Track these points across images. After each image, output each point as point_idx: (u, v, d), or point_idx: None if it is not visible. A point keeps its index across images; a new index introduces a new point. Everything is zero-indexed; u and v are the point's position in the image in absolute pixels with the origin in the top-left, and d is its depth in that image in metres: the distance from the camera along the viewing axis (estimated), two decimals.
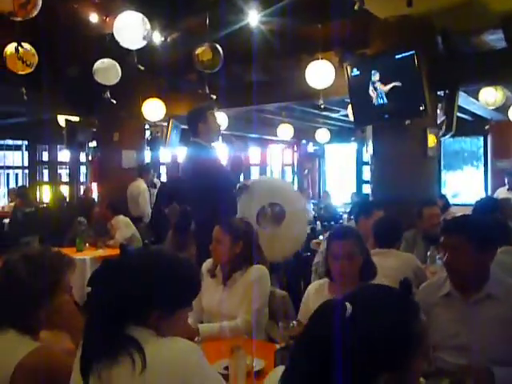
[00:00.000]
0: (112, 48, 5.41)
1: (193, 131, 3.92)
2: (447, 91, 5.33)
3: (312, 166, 13.38)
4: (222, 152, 4.03)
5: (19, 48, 4.39)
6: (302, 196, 4.66)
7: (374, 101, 5.07)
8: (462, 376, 1.68)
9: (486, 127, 8.82)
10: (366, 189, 11.10)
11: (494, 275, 2.17)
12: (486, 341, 2.05)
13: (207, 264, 2.90)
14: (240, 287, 2.70)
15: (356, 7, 3.37)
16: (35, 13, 3.81)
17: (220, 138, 4.09)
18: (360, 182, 12.14)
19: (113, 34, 4.66)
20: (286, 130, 10.04)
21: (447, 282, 2.22)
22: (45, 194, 11.41)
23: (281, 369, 1.27)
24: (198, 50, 5.00)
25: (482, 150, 11.39)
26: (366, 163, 11.35)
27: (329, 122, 10.60)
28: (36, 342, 1.66)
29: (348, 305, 1.06)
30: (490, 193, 9.79)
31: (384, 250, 3.42)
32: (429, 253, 3.93)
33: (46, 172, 11.78)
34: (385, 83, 4.95)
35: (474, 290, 2.14)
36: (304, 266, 4.35)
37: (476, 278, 2.15)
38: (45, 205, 9.67)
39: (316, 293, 2.59)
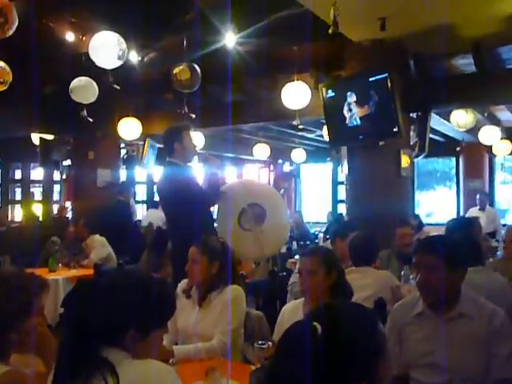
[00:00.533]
0: (88, 67, 5.41)
1: (168, 150, 3.92)
2: (420, 113, 5.45)
3: (288, 186, 13.45)
4: (198, 171, 4.01)
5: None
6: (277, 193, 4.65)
7: (348, 121, 5.16)
8: None
9: (458, 148, 9.02)
10: (342, 208, 11.21)
11: (466, 294, 2.21)
12: (459, 359, 2.08)
13: (182, 284, 2.88)
14: (216, 308, 2.68)
15: (330, 31, 3.44)
16: (11, 32, 3.79)
17: (196, 157, 4.09)
18: (335, 201, 12.26)
19: (88, 53, 4.67)
20: (262, 150, 10.10)
21: (420, 301, 2.24)
22: (17, 213, 11.21)
23: None
24: (176, 70, 5.03)
25: (454, 170, 11.63)
26: (342, 183, 11.48)
27: (305, 142, 10.71)
28: (6, 365, 1.62)
29: (317, 325, 1.09)
30: (462, 212, 9.99)
31: (361, 268, 3.45)
32: (403, 272, 3.97)
33: (18, 190, 11.59)
34: (361, 105, 5.04)
35: (446, 309, 2.17)
36: (280, 285, 4.34)
37: (448, 297, 2.18)
38: (17, 224, 9.49)
39: (291, 313, 2.59)
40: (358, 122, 5.10)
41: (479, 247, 3.16)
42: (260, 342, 2.11)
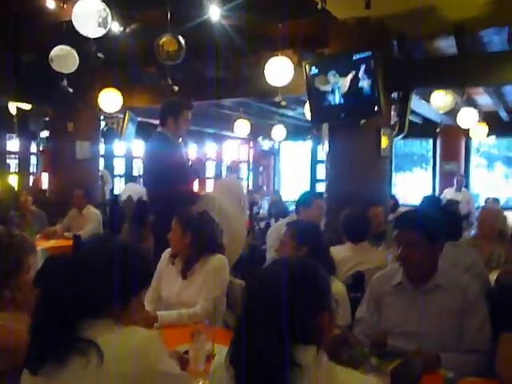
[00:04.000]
0: (69, 36, 5.31)
1: (161, 121, 3.90)
2: (401, 93, 5.51)
3: (267, 163, 13.50)
4: (187, 148, 4.00)
5: None
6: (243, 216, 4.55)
7: (331, 99, 5.20)
8: (411, 357, 1.77)
9: (437, 130, 9.14)
10: (320, 187, 11.31)
11: (442, 267, 2.30)
12: (434, 328, 2.18)
13: (166, 254, 2.92)
14: (199, 277, 2.73)
15: (319, 7, 3.44)
16: None
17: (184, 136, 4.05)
18: (314, 180, 12.34)
19: (70, 21, 4.58)
20: (242, 126, 10.08)
21: (399, 272, 2.33)
22: None
23: (226, 350, 1.35)
24: (163, 40, 4.97)
25: (430, 153, 11.81)
26: (321, 162, 11.57)
27: (285, 119, 10.72)
28: None
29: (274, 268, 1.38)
30: (437, 193, 10.18)
31: (359, 244, 3.56)
32: (380, 249, 4.06)
33: None
34: (344, 83, 5.07)
35: (424, 281, 2.26)
36: (260, 259, 4.42)
37: (426, 269, 2.26)
38: None
39: None
40: (341, 100, 5.14)
41: (460, 220, 3.27)
42: None
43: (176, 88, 5.62)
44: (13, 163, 11.53)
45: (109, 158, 10.69)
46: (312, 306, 1.30)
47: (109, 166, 10.19)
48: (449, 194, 8.68)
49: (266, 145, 13.47)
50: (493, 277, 3.52)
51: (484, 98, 8.27)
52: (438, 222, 2.34)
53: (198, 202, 3.72)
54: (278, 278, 1.31)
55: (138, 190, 7.64)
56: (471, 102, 8.20)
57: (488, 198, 8.38)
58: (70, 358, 1.34)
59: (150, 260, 1.69)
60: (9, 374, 1.58)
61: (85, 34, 4.57)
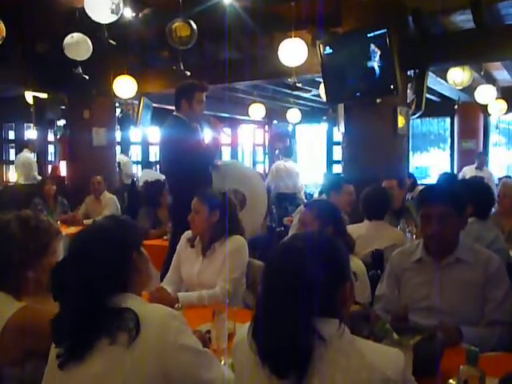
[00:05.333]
0: (82, 23, 5.31)
1: (176, 105, 3.90)
2: (417, 70, 5.44)
3: (283, 146, 13.43)
4: (204, 131, 3.99)
5: None
6: (263, 182, 4.64)
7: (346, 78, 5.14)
8: (433, 332, 1.77)
9: (456, 107, 9.00)
10: (336, 169, 11.26)
11: (463, 241, 2.28)
12: (455, 302, 2.17)
13: (186, 235, 2.94)
14: (219, 257, 2.75)
15: None
16: None
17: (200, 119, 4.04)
18: (330, 162, 12.29)
19: (83, 8, 4.59)
20: (257, 110, 10.06)
21: (419, 248, 2.32)
22: (11, 174, 11.16)
23: (247, 326, 1.36)
24: (175, 25, 4.95)
25: (448, 132, 11.67)
26: (337, 143, 11.51)
27: (300, 101, 10.66)
28: (20, 302, 1.69)
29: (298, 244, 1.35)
30: (455, 172, 10.06)
31: (374, 222, 3.56)
32: (399, 226, 4.04)
33: (12, 151, 11.51)
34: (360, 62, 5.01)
35: (444, 255, 2.24)
36: (277, 240, 4.42)
37: (450, 243, 2.25)
38: (12, 184, 9.49)
39: None
40: (356, 79, 5.09)
41: (491, 197, 3.26)
42: None
43: (188, 73, 5.59)
44: None
45: (125, 144, 10.72)
46: (333, 277, 1.30)
47: (126, 153, 10.21)
48: (469, 172, 8.54)
49: (281, 127, 13.42)
50: None
51: (502, 73, 8.11)
52: (462, 194, 2.32)
53: (217, 170, 3.74)
54: (297, 251, 1.31)
55: (154, 176, 7.69)
56: (489, 78, 8.06)
57: (501, 178, 8.24)
58: (106, 334, 1.37)
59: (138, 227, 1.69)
60: (36, 355, 1.61)
61: (97, 21, 4.58)
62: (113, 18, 4.56)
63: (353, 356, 1.23)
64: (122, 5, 4.57)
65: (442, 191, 2.34)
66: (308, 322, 1.23)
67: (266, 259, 1.41)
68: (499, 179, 7.88)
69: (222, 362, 1.79)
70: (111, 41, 5.02)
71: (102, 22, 4.63)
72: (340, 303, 1.31)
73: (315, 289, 1.25)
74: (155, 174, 7.64)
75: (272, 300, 1.29)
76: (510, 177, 8.46)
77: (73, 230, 5.73)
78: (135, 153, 11.97)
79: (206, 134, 4.00)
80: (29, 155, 9.23)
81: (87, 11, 4.53)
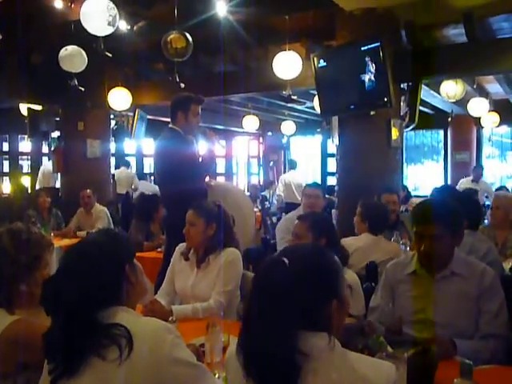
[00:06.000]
0: (77, 35, 5.33)
1: (172, 117, 3.91)
2: (410, 83, 5.47)
3: (277, 158, 13.48)
4: (197, 143, 3.99)
5: None
6: (250, 201, 4.64)
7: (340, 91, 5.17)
8: (427, 345, 1.77)
9: (449, 119, 9.07)
10: (331, 181, 11.29)
11: (457, 254, 2.28)
12: (449, 315, 2.17)
13: (181, 247, 2.93)
14: (213, 270, 2.74)
15: None
16: None
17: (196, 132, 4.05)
18: (325, 173, 12.32)
19: (78, 21, 4.61)
20: (251, 122, 10.10)
21: (413, 261, 2.32)
22: (5, 186, 11.13)
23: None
24: (170, 37, 4.98)
25: (441, 144, 11.74)
26: (331, 155, 11.55)
27: (294, 114, 10.71)
28: (13, 316, 1.68)
29: (284, 259, 1.30)
30: (449, 184, 10.08)
31: (377, 236, 3.58)
32: (393, 239, 4.05)
33: (6, 163, 11.48)
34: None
35: (439, 268, 2.24)
36: (271, 252, 4.42)
37: (442, 259, 2.25)
38: (6, 195, 9.45)
39: None
40: (350, 92, 5.12)
41: (479, 209, 3.26)
42: None
43: (182, 85, 5.61)
44: (25, 164, 11.65)
45: (120, 156, 10.72)
46: (318, 294, 1.28)
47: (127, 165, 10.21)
48: (465, 184, 8.57)
49: (275, 139, 13.47)
50: (507, 265, 3.50)
51: (495, 87, 8.19)
52: (459, 213, 2.31)
53: (210, 192, 3.73)
54: (283, 266, 1.29)
55: (150, 188, 7.70)
56: (482, 91, 8.13)
57: (497, 188, 8.28)
58: (98, 351, 1.35)
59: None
60: (28, 368, 1.60)
61: (93, 33, 4.60)
62: (109, 31, 4.58)
63: (344, 369, 1.23)
64: (118, 17, 4.59)
65: (437, 211, 2.29)
66: (291, 336, 1.22)
67: (255, 272, 1.40)
68: (496, 190, 7.93)
69: (216, 376, 1.78)
70: (107, 53, 5.04)
71: (98, 34, 4.65)
72: (328, 318, 1.29)
73: (300, 303, 1.24)
74: (151, 187, 7.66)
75: (256, 314, 1.28)
76: (504, 187, 8.48)
77: (66, 241, 5.71)
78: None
79: (201, 146, 4.00)
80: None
81: (83, 24, 4.55)
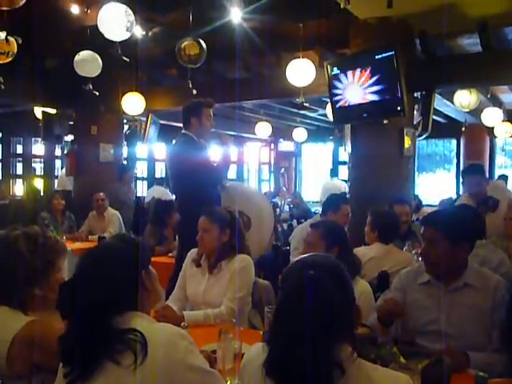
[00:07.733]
0: (92, 40, 5.39)
1: (185, 123, 3.94)
2: (424, 92, 5.46)
3: (289, 165, 13.48)
4: (211, 148, 4.02)
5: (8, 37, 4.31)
6: (269, 203, 4.65)
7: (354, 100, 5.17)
8: (440, 357, 1.75)
9: (463, 129, 9.03)
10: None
11: (471, 266, 2.27)
12: (462, 327, 2.15)
13: (193, 253, 2.94)
14: (225, 276, 2.75)
15: (342, 5, 3.44)
16: (22, 2, 3.75)
17: (210, 136, 4.07)
18: None
19: (93, 26, 4.65)
20: (263, 129, 10.12)
21: None
22: (18, 188, 11.23)
23: (255, 347, 1.35)
24: (184, 44, 5.01)
25: (453, 153, 11.67)
26: (342, 163, 11.53)
27: (306, 121, 10.71)
28: (27, 317, 1.69)
29: (311, 272, 1.30)
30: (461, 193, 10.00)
31: (388, 245, 3.56)
32: (405, 248, 4.03)
33: (19, 165, 11.59)
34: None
35: (451, 280, 2.23)
36: (283, 259, 4.41)
37: (451, 269, 2.24)
38: (19, 197, 9.54)
39: None
40: (363, 100, 5.11)
41: (483, 222, 3.23)
42: (270, 307, 2.17)
43: (195, 91, 5.64)
44: (38, 167, 11.75)
45: (131, 160, 10.76)
46: (349, 306, 1.31)
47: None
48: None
49: (286, 146, 13.48)
50: None
51: (509, 96, 8.16)
52: (463, 224, 2.30)
53: (229, 193, 3.74)
54: (309, 278, 1.28)
55: (163, 193, 7.71)
56: (495, 100, 8.09)
57: None
58: (112, 356, 1.35)
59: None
60: (43, 369, 1.61)
61: (110, 38, 4.64)
62: (126, 36, 4.62)
63: (362, 381, 1.22)
64: (134, 23, 4.64)
65: (439, 217, 2.36)
66: (330, 349, 1.22)
67: (282, 286, 1.39)
68: None
69: (228, 383, 1.78)
70: (124, 58, 5.07)
71: (115, 39, 4.69)
72: (351, 327, 1.31)
73: (331, 316, 1.24)
74: (165, 193, 7.65)
75: (291, 328, 1.25)
76: None
77: (78, 245, 5.75)
78: (141, 169, 12.02)
79: (215, 151, 4.02)
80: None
81: (100, 28, 4.58)
